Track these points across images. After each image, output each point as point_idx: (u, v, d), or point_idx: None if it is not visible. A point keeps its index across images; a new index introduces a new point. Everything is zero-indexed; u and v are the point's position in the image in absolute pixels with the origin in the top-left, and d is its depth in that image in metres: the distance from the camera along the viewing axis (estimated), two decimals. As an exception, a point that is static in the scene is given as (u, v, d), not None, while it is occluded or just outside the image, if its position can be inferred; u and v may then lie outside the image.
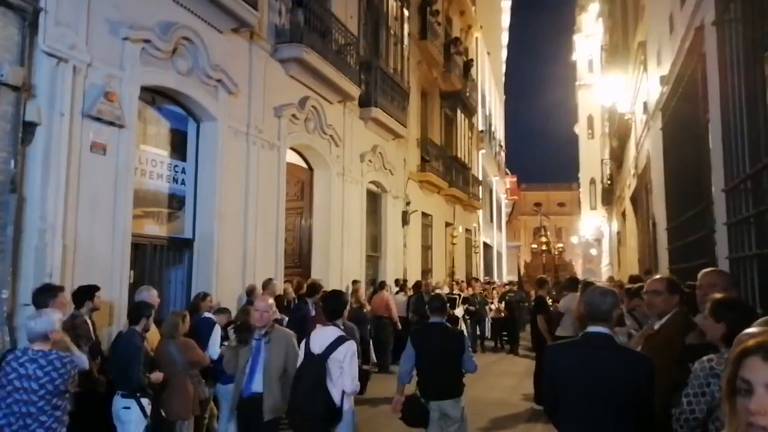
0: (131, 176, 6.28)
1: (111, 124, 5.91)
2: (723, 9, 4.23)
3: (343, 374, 4.01)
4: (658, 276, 3.91)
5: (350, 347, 4.09)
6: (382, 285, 11.85)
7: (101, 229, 5.84)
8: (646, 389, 2.83)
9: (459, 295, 13.69)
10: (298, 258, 10.58)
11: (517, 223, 55.24)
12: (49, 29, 5.28)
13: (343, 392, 4.04)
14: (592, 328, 3.03)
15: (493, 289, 17.70)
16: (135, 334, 4.65)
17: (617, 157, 19.07)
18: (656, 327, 3.40)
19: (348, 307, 4.65)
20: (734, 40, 4.02)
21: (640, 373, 2.86)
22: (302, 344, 4.24)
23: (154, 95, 7.06)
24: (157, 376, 4.62)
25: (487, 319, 15.28)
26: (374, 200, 13.43)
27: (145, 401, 4.55)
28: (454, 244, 17.54)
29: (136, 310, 4.82)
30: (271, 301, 4.49)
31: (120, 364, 4.58)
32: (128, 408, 4.52)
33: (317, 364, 4.00)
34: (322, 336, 4.15)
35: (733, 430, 1.39)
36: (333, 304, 4.38)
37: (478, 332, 14.56)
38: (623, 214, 18.52)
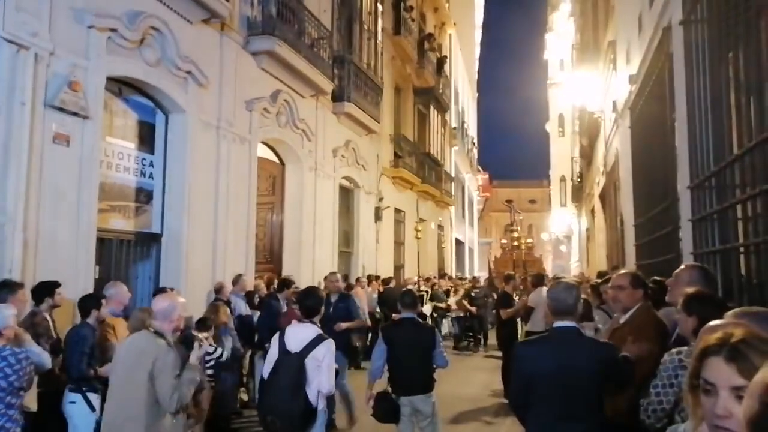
0: (96, 169, 6.12)
1: (75, 114, 5.74)
2: (690, 9, 4.31)
3: (321, 373, 3.85)
4: (622, 271, 3.97)
5: (330, 346, 3.93)
6: (357, 281, 11.84)
7: (64, 223, 5.67)
8: (616, 372, 2.90)
9: (426, 292, 13.53)
10: (270, 253, 10.48)
11: (489, 219, 55.76)
12: (8, 15, 5.08)
13: (318, 392, 3.87)
14: (559, 323, 3.08)
15: (463, 283, 17.34)
16: (84, 326, 4.53)
17: (587, 155, 19.40)
18: (621, 321, 3.46)
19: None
20: (700, 40, 4.09)
21: (608, 360, 2.93)
22: (274, 341, 4.07)
23: (120, 86, 6.89)
24: (105, 368, 4.47)
25: (446, 316, 14.47)
26: (347, 196, 13.38)
27: (93, 396, 4.36)
28: (418, 238, 17.50)
29: (85, 303, 4.68)
30: (181, 299, 3.80)
31: (67, 357, 4.46)
32: (74, 402, 4.35)
33: (295, 363, 3.82)
34: (299, 333, 3.97)
35: (697, 422, 1.40)
36: (310, 301, 4.17)
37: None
38: (592, 211, 18.85)
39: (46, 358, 4.15)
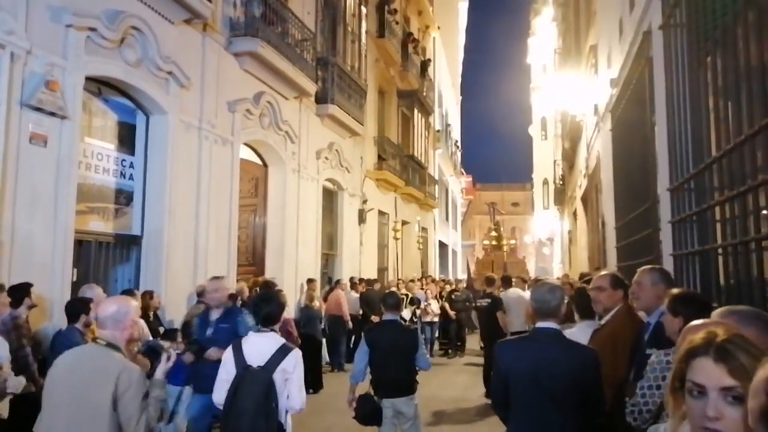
0: (74, 170, 6.02)
1: (52, 114, 5.65)
2: (669, 14, 4.36)
3: (291, 387, 3.44)
4: (603, 272, 4.00)
5: (299, 356, 3.53)
6: (337, 283, 11.81)
7: (41, 225, 5.57)
8: (592, 380, 2.90)
9: (406, 296, 13.25)
10: (252, 256, 10.40)
11: (472, 222, 55.99)
12: (-16, 13, 4.99)
13: (286, 411, 3.48)
14: (541, 324, 3.08)
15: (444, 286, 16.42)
16: (74, 332, 4.46)
17: (569, 158, 19.57)
18: (602, 322, 3.48)
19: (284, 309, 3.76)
20: (679, 44, 4.14)
21: (587, 365, 2.93)
22: (227, 356, 3.55)
23: (100, 86, 6.79)
24: None
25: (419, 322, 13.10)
26: (330, 198, 13.34)
27: None
28: (396, 239, 17.37)
29: (73, 307, 4.61)
30: (134, 302, 3.16)
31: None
32: None
33: (262, 379, 3.35)
34: (260, 344, 3.50)
35: (676, 423, 1.39)
36: (268, 308, 3.66)
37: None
38: (574, 214, 19.02)
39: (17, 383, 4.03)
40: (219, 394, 3.45)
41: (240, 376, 3.38)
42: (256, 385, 3.33)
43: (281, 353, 3.44)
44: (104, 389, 2.67)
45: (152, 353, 3.16)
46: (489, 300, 9.03)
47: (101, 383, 2.69)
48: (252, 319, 4.16)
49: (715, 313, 1.79)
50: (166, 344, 5.40)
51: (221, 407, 3.46)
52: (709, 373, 1.24)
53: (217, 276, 5.02)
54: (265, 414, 3.29)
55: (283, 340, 3.58)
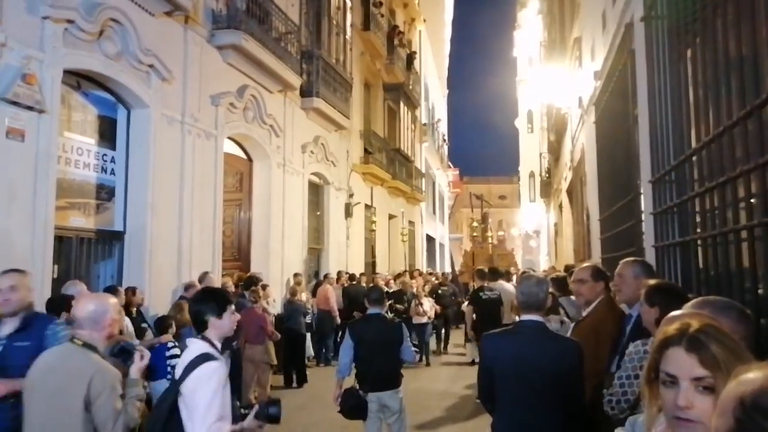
0: (53, 165, 5.93)
1: (30, 108, 5.55)
2: (650, 6, 4.37)
3: (190, 418, 2.51)
4: (585, 264, 4.02)
5: (207, 371, 2.55)
6: (325, 278, 11.78)
7: (20, 221, 5.48)
8: (575, 373, 2.91)
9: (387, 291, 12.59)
10: (238, 251, 10.34)
11: (460, 215, 56.15)
12: (-43, 5, 4.88)
13: None
14: (526, 317, 3.09)
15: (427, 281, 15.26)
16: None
17: (555, 151, 19.67)
18: (584, 314, 3.50)
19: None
20: (660, 36, 4.15)
21: (570, 358, 2.94)
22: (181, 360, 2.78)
23: (79, 79, 6.68)
24: None
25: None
26: (316, 192, 13.29)
27: None
28: (373, 230, 17.23)
29: (54, 305, 4.55)
30: (112, 300, 2.96)
31: None
32: None
33: (168, 398, 2.63)
34: (186, 355, 2.73)
35: (652, 414, 1.40)
36: (194, 309, 2.81)
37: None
38: (560, 206, 19.13)
39: None
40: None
41: (165, 392, 2.77)
42: (158, 408, 2.67)
43: (190, 367, 2.59)
44: (77, 392, 2.62)
45: (125, 353, 2.93)
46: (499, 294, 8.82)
47: (74, 385, 2.64)
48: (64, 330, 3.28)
49: (689, 305, 1.80)
50: (165, 337, 5.40)
51: None
52: (681, 363, 1.25)
53: (17, 269, 3.57)
54: None
55: (206, 350, 2.65)
